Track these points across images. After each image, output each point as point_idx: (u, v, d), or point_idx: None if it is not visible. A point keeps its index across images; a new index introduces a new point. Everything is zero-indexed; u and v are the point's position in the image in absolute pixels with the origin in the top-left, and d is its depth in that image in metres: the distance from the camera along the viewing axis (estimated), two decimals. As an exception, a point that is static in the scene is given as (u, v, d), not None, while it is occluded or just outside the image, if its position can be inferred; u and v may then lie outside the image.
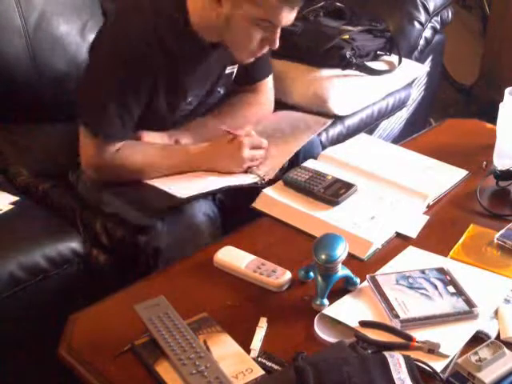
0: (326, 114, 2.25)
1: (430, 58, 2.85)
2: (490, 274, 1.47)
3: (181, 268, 1.53)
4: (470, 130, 2.20)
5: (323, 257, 1.36)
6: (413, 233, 1.61)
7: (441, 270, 1.45)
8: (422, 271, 1.44)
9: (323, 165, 1.85)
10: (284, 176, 1.76)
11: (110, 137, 1.76)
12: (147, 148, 1.83)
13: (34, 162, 2.16)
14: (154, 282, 1.49)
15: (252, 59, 1.83)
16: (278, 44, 1.76)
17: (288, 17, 1.70)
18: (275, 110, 2.10)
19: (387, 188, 1.76)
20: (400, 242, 1.59)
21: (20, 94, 2.34)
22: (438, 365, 1.22)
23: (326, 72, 2.34)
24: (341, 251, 1.37)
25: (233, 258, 1.49)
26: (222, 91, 1.98)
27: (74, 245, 1.82)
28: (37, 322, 1.76)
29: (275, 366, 1.23)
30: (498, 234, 1.59)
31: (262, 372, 1.21)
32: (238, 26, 1.69)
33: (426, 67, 2.73)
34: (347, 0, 2.59)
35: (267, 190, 1.73)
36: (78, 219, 1.92)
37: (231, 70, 1.95)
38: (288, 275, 1.44)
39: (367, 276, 1.43)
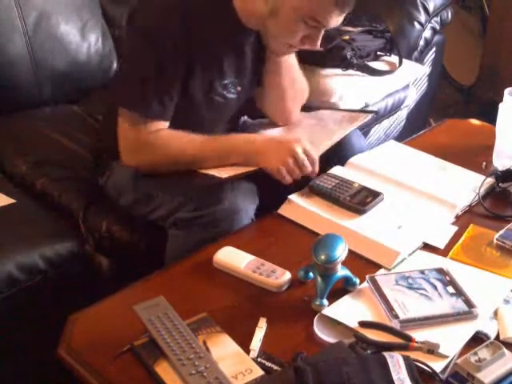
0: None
1: (429, 59, 2.85)
2: (489, 275, 1.48)
3: (180, 268, 1.53)
4: (469, 130, 2.21)
5: (323, 257, 1.36)
6: (441, 244, 1.58)
7: (440, 271, 1.45)
8: (422, 272, 1.44)
9: (350, 172, 1.82)
10: (310, 182, 1.73)
11: (148, 114, 1.69)
12: (193, 136, 1.73)
13: (30, 154, 2.17)
14: (154, 283, 1.48)
15: (286, 52, 1.81)
16: (319, 45, 1.73)
17: (336, 19, 1.68)
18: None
19: (415, 197, 1.73)
20: (430, 251, 1.57)
21: (20, 93, 2.35)
22: (438, 365, 1.22)
23: (327, 71, 2.34)
24: (340, 252, 1.37)
25: (232, 258, 1.49)
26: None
27: (73, 245, 1.82)
28: (36, 322, 1.76)
29: (275, 367, 1.23)
30: (497, 235, 1.59)
31: (262, 372, 1.21)
32: (286, 17, 1.66)
33: (425, 68, 2.72)
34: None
35: (293, 197, 1.70)
36: (80, 221, 1.91)
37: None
38: (287, 275, 1.44)
39: (367, 276, 1.43)
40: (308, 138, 1.76)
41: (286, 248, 1.57)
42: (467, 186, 1.80)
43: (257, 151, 1.71)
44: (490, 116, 1.99)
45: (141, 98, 1.69)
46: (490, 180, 1.80)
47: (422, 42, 2.74)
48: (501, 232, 1.60)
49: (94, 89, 2.52)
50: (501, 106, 1.86)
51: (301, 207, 1.68)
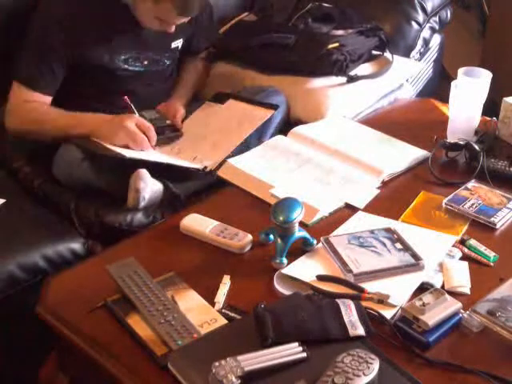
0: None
1: (429, 58, 2.84)
2: (434, 233, 1.59)
3: (149, 234, 1.63)
4: (425, 109, 2.32)
5: (281, 218, 1.46)
6: (361, 204, 1.71)
7: (388, 230, 1.56)
8: (371, 231, 1.56)
9: (291, 141, 1.98)
10: None
11: (28, 82, 1.98)
12: (60, 114, 1.99)
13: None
14: (125, 247, 1.57)
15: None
16: (173, 30, 2.02)
17: (182, 20, 1.99)
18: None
19: (346, 163, 1.87)
20: (352, 212, 1.68)
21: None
22: (388, 313, 1.33)
23: (320, 82, 2.30)
24: (297, 213, 1.48)
25: (198, 223, 1.59)
26: (167, 62, 2.19)
27: (74, 245, 1.84)
28: (36, 322, 1.77)
29: (238, 316, 1.32)
30: (445, 199, 1.71)
31: (226, 321, 1.31)
32: (142, 11, 1.98)
33: (420, 63, 2.70)
34: (343, 1, 2.58)
35: (232, 160, 1.86)
36: (72, 213, 1.94)
37: (176, 44, 2.19)
38: (249, 238, 1.54)
39: (321, 238, 1.53)
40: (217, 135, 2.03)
41: (248, 215, 1.67)
42: (401, 157, 1.91)
43: (95, 129, 1.95)
44: (489, 115, 2.08)
45: (25, 70, 2.00)
46: (433, 153, 1.90)
47: (420, 42, 2.71)
48: (449, 197, 1.72)
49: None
50: (453, 84, 1.97)
51: (238, 170, 1.83)
